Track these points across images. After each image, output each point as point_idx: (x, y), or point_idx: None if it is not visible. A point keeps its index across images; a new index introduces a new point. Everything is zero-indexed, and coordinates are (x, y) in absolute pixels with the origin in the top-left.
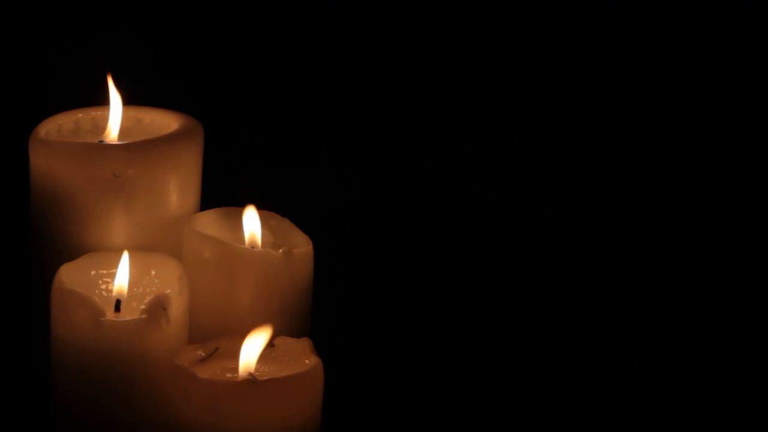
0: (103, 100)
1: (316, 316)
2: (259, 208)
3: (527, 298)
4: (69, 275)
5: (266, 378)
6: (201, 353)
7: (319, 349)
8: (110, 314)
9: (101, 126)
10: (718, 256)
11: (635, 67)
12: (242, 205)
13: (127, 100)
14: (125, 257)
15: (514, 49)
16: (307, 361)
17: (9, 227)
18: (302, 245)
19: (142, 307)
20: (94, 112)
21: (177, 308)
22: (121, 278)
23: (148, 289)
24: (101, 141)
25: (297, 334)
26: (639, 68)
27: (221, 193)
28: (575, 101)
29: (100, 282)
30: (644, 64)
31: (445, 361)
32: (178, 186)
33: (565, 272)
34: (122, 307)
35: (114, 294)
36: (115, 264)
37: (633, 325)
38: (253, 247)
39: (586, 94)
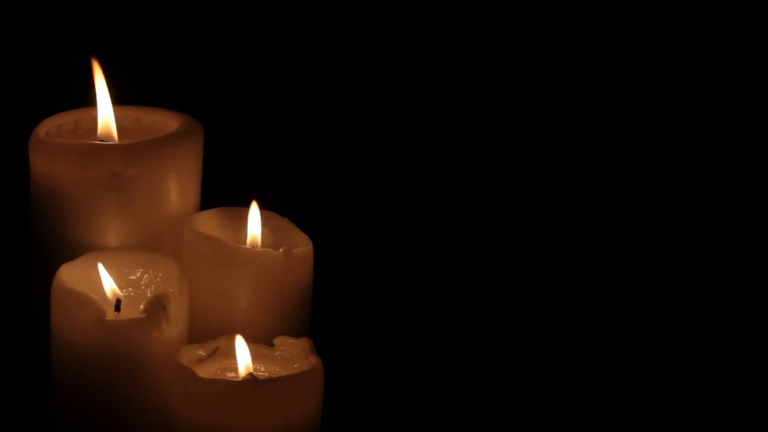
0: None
1: (316, 316)
2: (259, 207)
3: (527, 298)
4: (69, 275)
5: (266, 378)
6: (201, 353)
7: (319, 349)
8: (110, 314)
9: None
10: (718, 258)
11: (635, 67)
12: (242, 205)
13: (127, 100)
14: (101, 267)
15: (513, 49)
16: (307, 361)
17: (9, 227)
18: (302, 245)
19: (142, 306)
20: (94, 112)
21: (177, 308)
22: (107, 282)
23: (148, 289)
24: (101, 141)
25: (297, 334)
26: (639, 69)
27: (221, 193)
28: (575, 101)
29: (100, 282)
30: (644, 64)
31: (445, 361)
32: (178, 186)
33: (564, 273)
34: (122, 306)
35: (110, 295)
36: (114, 264)
37: (633, 325)
38: (253, 247)
39: (586, 95)
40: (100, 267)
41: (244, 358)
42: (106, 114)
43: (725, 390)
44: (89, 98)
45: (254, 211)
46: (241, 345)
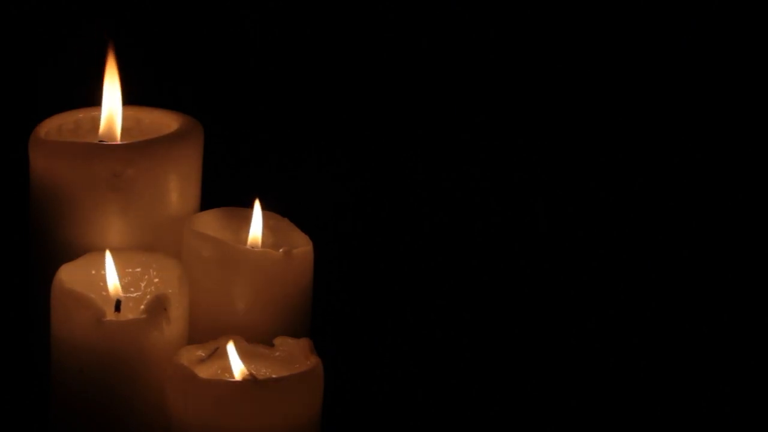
0: (101, 99)
1: (316, 316)
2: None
3: (528, 298)
4: (69, 275)
5: (266, 378)
6: (201, 353)
7: (319, 349)
8: (110, 314)
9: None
10: (718, 258)
11: (635, 67)
12: (242, 205)
13: (127, 100)
14: (109, 259)
15: (513, 49)
16: (307, 361)
17: (9, 227)
18: (302, 245)
19: (142, 307)
20: (94, 112)
21: (177, 308)
22: (112, 280)
23: (148, 289)
24: (101, 141)
25: (297, 334)
26: (639, 69)
27: (221, 193)
28: (575, 101)
29: (100, 282)
30: (644, 64)
31: (445, 361)
32: (178, 186)
33: (565, 274)
34: (122, 306)
35: (111, 295)
36: (114, 264)
37: (633, 325)
38: (253, 247)
39: (586, 95)
40: (108, 260)
41: (237, 363)
42: (112, 113)
43: (725, 390)
44: (94, 96)
45: (258, 211)
46: (232, 351)
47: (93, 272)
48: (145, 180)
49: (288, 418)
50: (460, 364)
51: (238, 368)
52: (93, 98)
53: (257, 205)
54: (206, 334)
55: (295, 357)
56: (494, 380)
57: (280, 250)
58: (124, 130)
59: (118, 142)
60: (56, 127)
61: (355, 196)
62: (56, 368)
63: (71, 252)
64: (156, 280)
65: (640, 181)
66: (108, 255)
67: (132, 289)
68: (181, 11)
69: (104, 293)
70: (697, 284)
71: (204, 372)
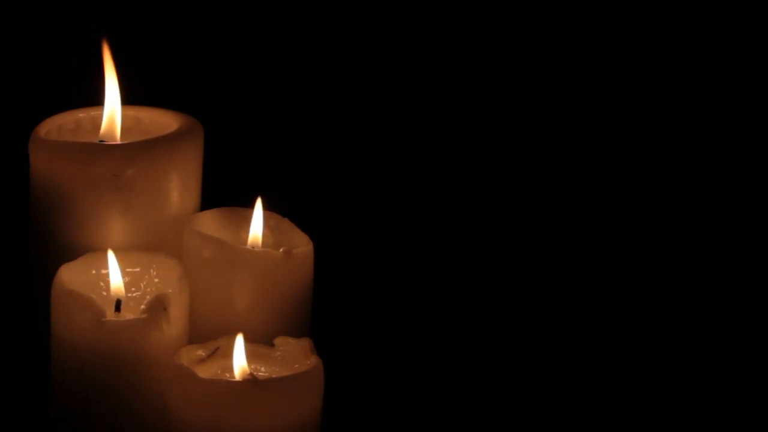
0: (102, 99)
1: (316, 316)
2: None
3: (528, 298)
4: (69, 275)
5: (266, 378)
6: (201, 353)
7: (319, 349)
8: (110, 314)
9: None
10: (718, 258)
11: (635, 67)
12: (242, 205)
13: (127, 100)
14: (111, 257)
15: (513, 49)
16: (307, 361)
17: (9, 227)
18: (302, 245)
19: (142, 307)
20: (94, 112)
21: (177, 308)
22: (115, 278)
23: (148, 289)
24: (101, 141)
25: (297, 334)
26: (639, 69)
27: (221, 193)
28: (575, 101)
29: (100, 282)
30: (644, 64)
31: (445, 361)
32: (178, 186)
33: (566, 274)
34: (122, 306)
35: (112, 294)
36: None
37: (633, 325)
38: (253, 247)
39: (586, 95)
40: (112, 259)
41: (239, 361)
42: (112, 113)
43: (725, 390)
44: (94, 96)
45: (259, 209)
46: (239, 346)
47: (93, 272)
48: (145, 180)
49: (288, 418)
50: (460, 364)
51: (239, 365)
52: (93, 98)
53: (259, 203)
54: (206, 334)
55: (295, 357)
56: (494, 380)
57: (280, 250)
58: (124, 130)
59: (118, 142)
60: (56, 127)
61: (355, 196)
62: (56, 368)
63: (71, 252)
64: (156, 280)
65: (640, 181)
66: (111, 254)
67: (132, 289)
68: (181, 11)
69: (104, 293)
70: (697, 284)
71: (204, 372)
